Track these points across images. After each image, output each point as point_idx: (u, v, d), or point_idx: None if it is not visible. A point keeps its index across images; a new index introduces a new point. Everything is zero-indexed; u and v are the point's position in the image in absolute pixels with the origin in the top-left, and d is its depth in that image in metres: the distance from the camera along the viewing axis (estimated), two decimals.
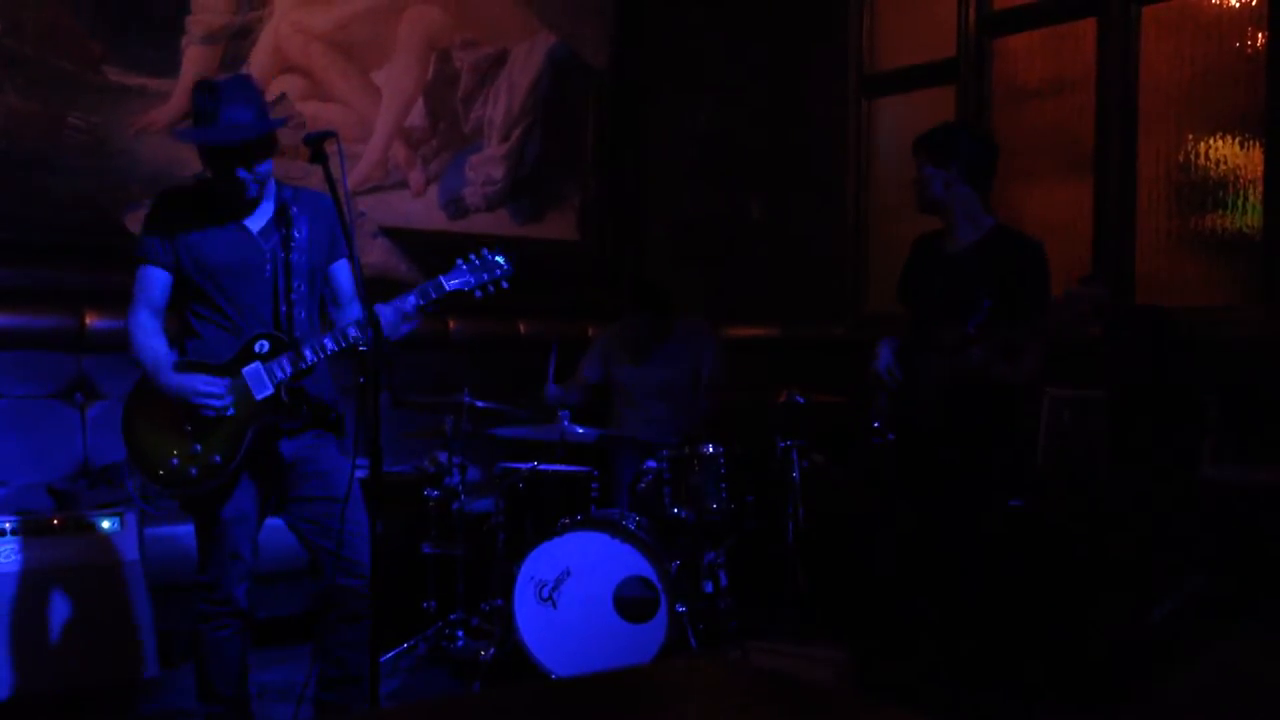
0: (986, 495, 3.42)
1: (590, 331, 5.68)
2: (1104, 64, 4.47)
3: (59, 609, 3.66)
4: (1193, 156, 4.29)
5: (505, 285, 3.15)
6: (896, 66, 5.29)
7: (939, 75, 5.05)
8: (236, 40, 4.94)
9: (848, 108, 5.41)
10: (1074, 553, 3.71)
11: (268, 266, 3.08)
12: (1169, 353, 3.91)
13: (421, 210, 5.50)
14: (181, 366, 3.04)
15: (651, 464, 4.35)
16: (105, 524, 3.80)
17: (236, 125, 2.92)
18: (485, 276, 3.12)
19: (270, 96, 5.06)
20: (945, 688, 3.36)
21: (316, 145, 2.89)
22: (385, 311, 2.98)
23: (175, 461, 3.01)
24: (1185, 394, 3.81)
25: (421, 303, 3.06)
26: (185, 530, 3.47)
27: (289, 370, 3.03)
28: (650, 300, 4.94)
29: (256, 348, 3.04)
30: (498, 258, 3.14)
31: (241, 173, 2.98)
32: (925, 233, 3.71)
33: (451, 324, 5.43)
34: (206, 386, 2.98)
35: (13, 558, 3.62)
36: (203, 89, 2.95)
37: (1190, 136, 4.29)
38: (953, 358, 3.35)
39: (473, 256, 3.14)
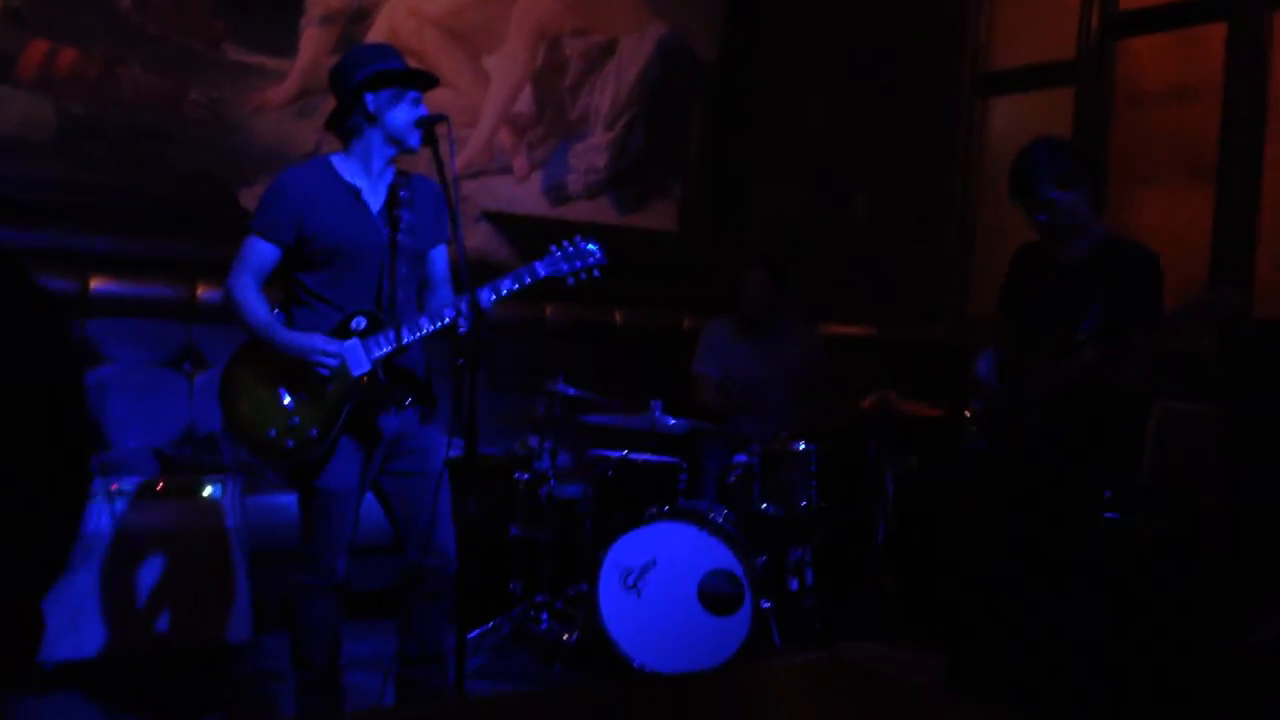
0: (1088, 502, 3.33)
1: (685, 324, 5.67)
2: (1233, 70, 4.31)
3: (158, 571, 3.74)
4: None
5: (597, 274, 3.19)
6: (1014, 65, 5.17)
7: (1058, 76, 4.92)
8: (353, 23, 5.03)
9: (960, 105, 5.30)
10: (1174, 568, 3.59)
11: (379, 247, 3.10)
12: None
13: (524, 196, 5.53)
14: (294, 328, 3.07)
15: (742, 458, 4.33)
16: (208, 490, 3.89)
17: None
18: (579, 264, 3.16)
19: None
20: (1039, 697, 3.28)
21: (429, 128, 2.96)
22: (481, 294, 3.01)
23: (273, 433, 3.04)
24: None
25: (515, 287, 3.09)
26: (287, 500, 3.53)
27: (386, 348, 3.05)
28: (771, 264, 4.93)
29: (354, 324, 3.06)
30: (590, 245, 3.17)
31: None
32: (1028, 243, 3.61)
33: (548, 310, 5.46)
34: (325, 344, 3.00)
35: (117, 519, 3.71)
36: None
37: None
38: (1061, 361, 3.27)
39: (566, 244, 3.16)
